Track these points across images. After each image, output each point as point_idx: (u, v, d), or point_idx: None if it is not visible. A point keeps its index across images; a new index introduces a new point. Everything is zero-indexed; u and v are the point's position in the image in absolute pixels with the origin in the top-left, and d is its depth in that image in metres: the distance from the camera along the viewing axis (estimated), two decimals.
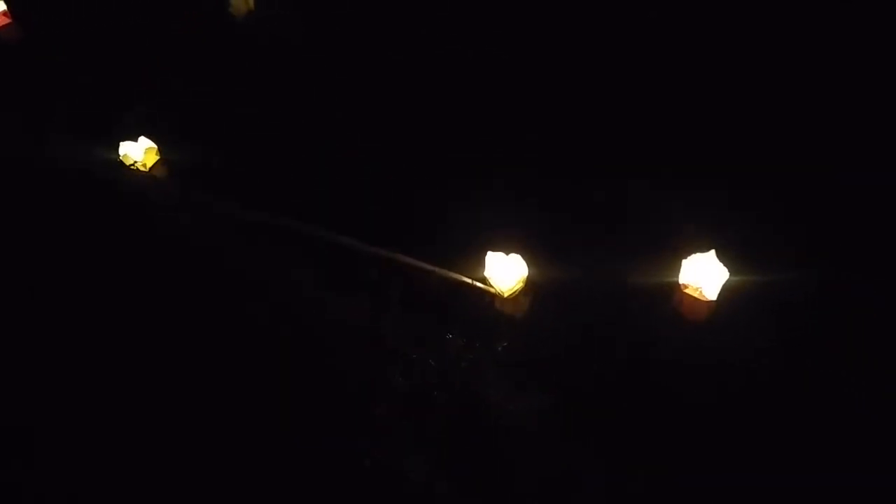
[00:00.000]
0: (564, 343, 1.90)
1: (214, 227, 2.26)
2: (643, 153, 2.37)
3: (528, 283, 2.02)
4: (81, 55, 3.02)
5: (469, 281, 2.04)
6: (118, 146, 2.45)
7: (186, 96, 2.73)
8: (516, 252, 2.02)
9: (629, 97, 2.60)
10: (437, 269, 2.06)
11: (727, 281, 1.90)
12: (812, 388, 1.78)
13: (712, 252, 1.91)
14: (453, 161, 2.44)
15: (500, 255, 2.02)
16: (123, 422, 1.93)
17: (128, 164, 2.41)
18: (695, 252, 1.92)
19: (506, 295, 2.02)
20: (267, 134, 2.56)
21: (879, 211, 2.12)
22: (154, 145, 2.45)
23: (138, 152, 2.43)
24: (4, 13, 3.31)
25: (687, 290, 1.91)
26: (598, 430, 1.75)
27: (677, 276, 1.92)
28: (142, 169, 2.40)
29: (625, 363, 1.84)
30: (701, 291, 1.88)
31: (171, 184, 2.40)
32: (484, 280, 2.02)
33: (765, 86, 2.56)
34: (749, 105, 2.49)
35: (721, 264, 1.89)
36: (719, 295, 1.89)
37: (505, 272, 2.00)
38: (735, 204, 2.14)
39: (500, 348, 1.90)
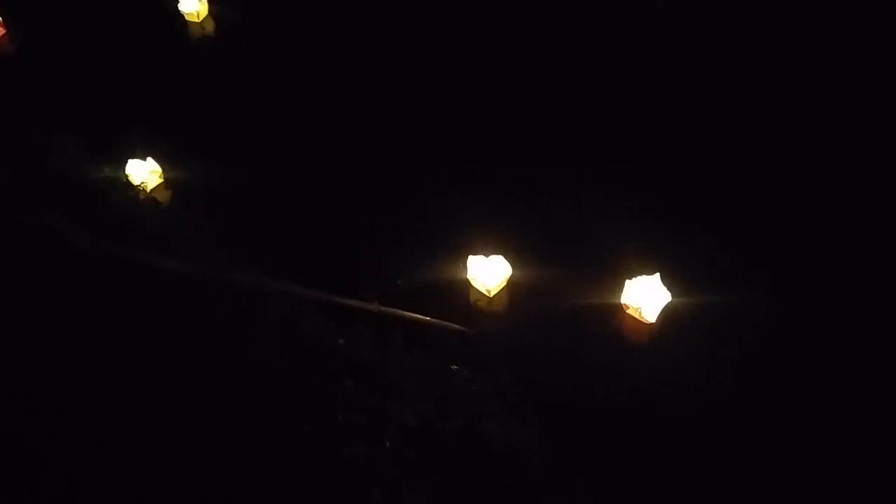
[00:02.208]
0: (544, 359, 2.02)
1: (209, 253, 2.33)
2: (607, 175, 2.50)
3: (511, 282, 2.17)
4: (76, 69, 3.13)
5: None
6: (124, 164, 2.61)
7: (183, 115, 2.87)
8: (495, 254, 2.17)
9: (590, 119, 2.73)
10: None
11: (670, 304, 2.02)
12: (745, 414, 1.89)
13: (657, 275, 2.04)
14: (425, 166, 2.60)
15: (480, 257, 2.19)
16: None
17: (133, 185, 2.62)
18: (642, 274, 2.05)
19: (492, 294, 2.18)
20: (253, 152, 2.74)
21: (820, 240, 2.24)
22: (158, 168, 2.64)
23: (143, 173, 2.64)
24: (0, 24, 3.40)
25: (628, 311, 2.04)
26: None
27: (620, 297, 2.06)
28: (144, 191, 2.61)
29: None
30: (641, 312, 2.01)
31: (171, 209, 2.59)
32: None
33: (711, 118, 2.66)
34: (700, 136, 2.61)
35: (664, 288, 2.02)
36: (660, 317, 2.02)
37: (488, 273, 2.17)
38: (690, 229, 2.27)
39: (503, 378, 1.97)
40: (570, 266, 2.18)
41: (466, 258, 2.20)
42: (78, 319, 2.21)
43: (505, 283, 2.19)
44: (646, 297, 2.00)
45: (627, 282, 2.04)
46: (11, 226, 2.45)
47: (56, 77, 3.13)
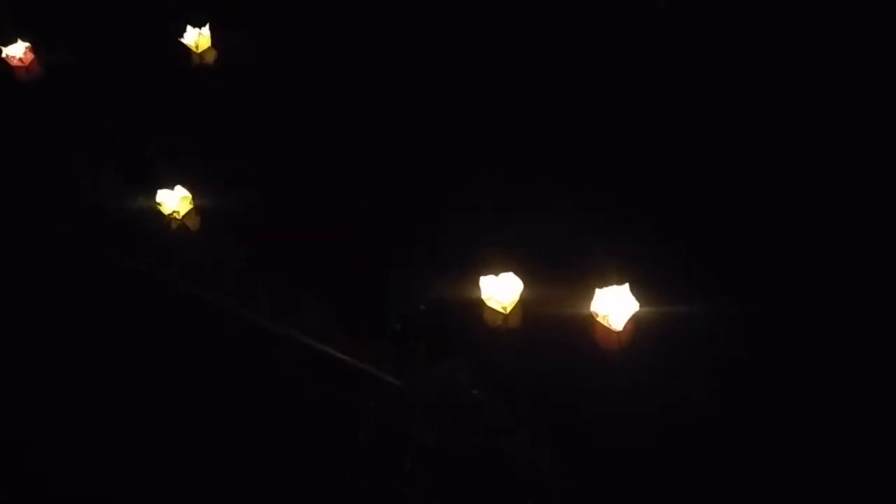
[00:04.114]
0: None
1: (235, 275, 2.66)
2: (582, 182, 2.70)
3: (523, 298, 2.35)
4: (105, 97, 3.39)
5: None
6: (155, 194, 2.89)
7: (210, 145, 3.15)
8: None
9: (588, 122, 2.89)
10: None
11: (638, 313, 2.25)
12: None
13: (626, 285, 2.29)
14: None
15: (492, 276, 2.38)
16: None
17: (165, 213, 2.94)
18: (612, 283, 2.28)
19: (508, 311, 2.37)
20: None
21: (791, 251, 2.40)
22: (189, 194, 2.91)
23: (174, 201, 2.95)
24: (29, 49, 3.66)
25: (598, 319, 2.31)
26: None
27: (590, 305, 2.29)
28: (176, 218, 2.94)
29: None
30: (608, 320, 2.29)
31: (202, 235, 2.87)
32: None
33: (680, 124, 2.80)
34: (670, 143, 2.76)
35: (633, 297, 2.28)
36: (627, 326, 2.26)
37: (502, 291, 2.35)
38: (660, 239, 2.48)
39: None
40: (552, 275, 2.42)
41: (469, 277, 2.40)
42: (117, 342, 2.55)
43: (518, 300, 2.39)
44: (615, 305, 2.28)
45: (597, 290, 2.27)
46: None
47: (77, 105, 3.40)
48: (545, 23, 3.28)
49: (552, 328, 2.32)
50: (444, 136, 3.02)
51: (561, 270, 2.44)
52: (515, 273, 2.38)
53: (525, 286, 2.37)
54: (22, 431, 2.40)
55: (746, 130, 2.77)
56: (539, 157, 2.87)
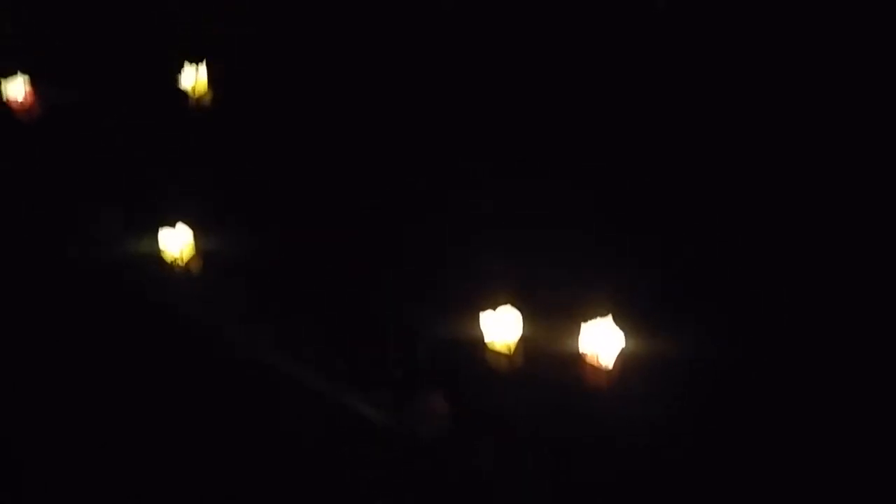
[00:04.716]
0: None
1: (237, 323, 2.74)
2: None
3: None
4: (104, 134, 3.42)
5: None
6: (156, 234, 2.92)
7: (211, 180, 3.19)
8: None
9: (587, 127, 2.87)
10: None
11: (624, 348, 2.27)
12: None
13: (609, 317, 2.29)
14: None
15: (490, 312, 2.36)
16: None
17: (168, 259, 2.99)
18: (594, 317, 2.29)
19: (512, 350, 2.37)
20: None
21: (778, 280, 2.40)
22: (191, 236, 2.93)
23: (177, 242, 2.97)
24: (30, 92, 3.63)
25: (586, 357, 2.32)
26: None
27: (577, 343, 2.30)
28: (179, 263, 3.01)
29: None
30: (597, 358, 2.32)
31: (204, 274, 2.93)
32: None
33: (678, 127, 2.79)
34: (665, 150, 2.76)
35: (619, 330, 2.31)
36: (616, 362, 2.27)
37: (506, 328, 2.35)
38: (637, 269, 2.50)
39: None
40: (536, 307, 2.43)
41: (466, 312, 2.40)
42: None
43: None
44: (602, 341, 2.29)
45: (583, 325, 2.28)
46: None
47: (77, 145, 3.43)
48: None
49: (541, 365, 2.36)
50: (444, 138, 3.03)
51: (544, 300, 2.46)
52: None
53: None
54: None
55: (745, 137, 2.74)
56: (535, 161, 2.88)
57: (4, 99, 3.68)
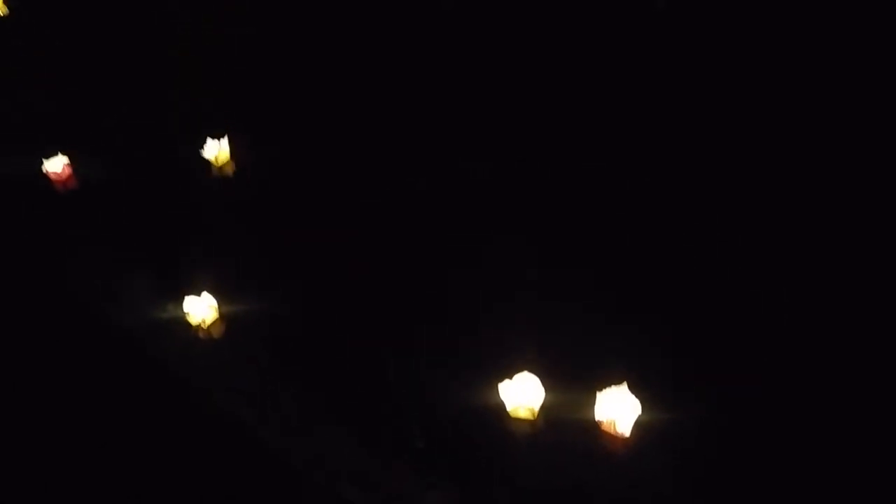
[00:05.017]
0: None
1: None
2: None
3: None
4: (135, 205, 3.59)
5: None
6: (181, 301, 3.01)
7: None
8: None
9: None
10: None
11: (640, 416, 2.27)
12: None
13: (624, 385, 2.31)
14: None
15: (507, 381, 2.37)
16: None
17: (193, 324, 3.10)
18: (609, 385, 2.30)
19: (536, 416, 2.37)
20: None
21: (787, 343, 2.41)
22: (215, 302, 3.04)
23: (201, 309, 3.10)
24: (67, 165, 3.87)
25: (603, 426, 2.34)
26: None
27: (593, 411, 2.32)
28: (202, 327, 3.09)
29: None
30: (615, 426, 2.33)
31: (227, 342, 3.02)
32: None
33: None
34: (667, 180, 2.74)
35: (634, 398, 2.33)
36: (633, 430, 2.28)
37: (527, 395, 2.35)
38: (650, 336, 2.51)
39: None
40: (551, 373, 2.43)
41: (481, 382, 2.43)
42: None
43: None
44: (618, 409, 2.31)
45: (598, 394, 2.30)
46: None
47: (110, 216, 3.62)
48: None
49: (558, 433, 2.37)
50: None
51: (559, 368, 2.47)
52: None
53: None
54: None
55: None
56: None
57: (45, 173, 3.91)
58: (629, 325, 2.56)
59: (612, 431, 2.33)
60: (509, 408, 2.40)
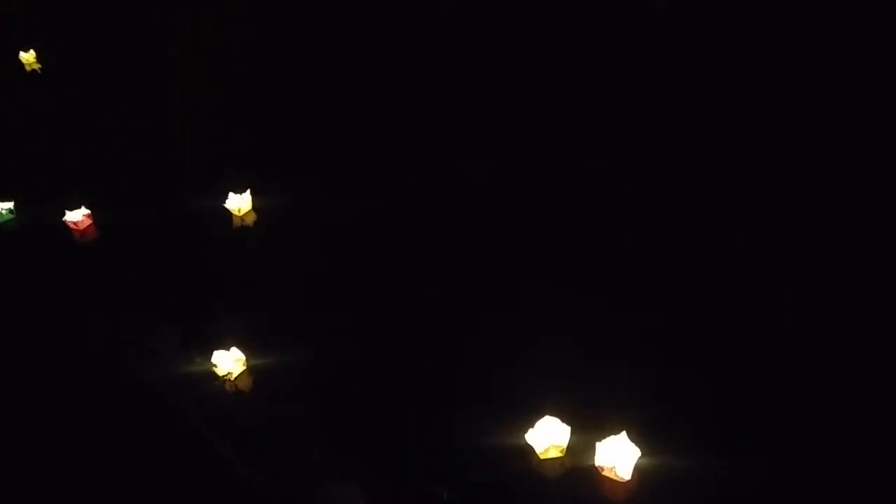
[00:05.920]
0: None
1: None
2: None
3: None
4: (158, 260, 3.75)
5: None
6: (209, 355, 3.23)
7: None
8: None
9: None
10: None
11: (639, 460, 2.48)
12: None
13: (623, 433, 2.54)
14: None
15: (531, 430, 2.56)
16: None
17: (220, 375, 3.31)
18: (608, 434, 2.51)
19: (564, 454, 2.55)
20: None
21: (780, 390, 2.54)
22: (243, 356, 3.25)
23: (228, 362, 3.32)
24: (87, 216, 4.09)
25: (603, 472, 2.56)
26: None
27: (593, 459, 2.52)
28: (230, 381, 3.31)
29: None
30: (615, 471, 2.55)
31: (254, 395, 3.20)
32: None
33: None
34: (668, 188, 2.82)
35: (632, 444, 2.55)
36: (633, 474, 2.48)
37: (553, 437, 2.56)
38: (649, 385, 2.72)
39: None
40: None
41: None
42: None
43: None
44: (618, 455, 2.51)
45: (598, 444, 2.50)
46: None
47: (131, 269, 3.79)
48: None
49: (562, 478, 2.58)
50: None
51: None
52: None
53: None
54: None
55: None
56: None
57: (65, 223, 4.09)
58: (630, 369, 2.72)
59: (612, 476, 2.55)
60: (539, 450, 2.59)
